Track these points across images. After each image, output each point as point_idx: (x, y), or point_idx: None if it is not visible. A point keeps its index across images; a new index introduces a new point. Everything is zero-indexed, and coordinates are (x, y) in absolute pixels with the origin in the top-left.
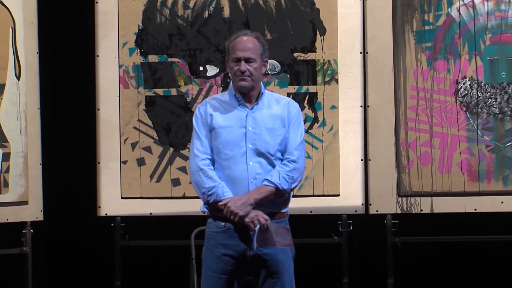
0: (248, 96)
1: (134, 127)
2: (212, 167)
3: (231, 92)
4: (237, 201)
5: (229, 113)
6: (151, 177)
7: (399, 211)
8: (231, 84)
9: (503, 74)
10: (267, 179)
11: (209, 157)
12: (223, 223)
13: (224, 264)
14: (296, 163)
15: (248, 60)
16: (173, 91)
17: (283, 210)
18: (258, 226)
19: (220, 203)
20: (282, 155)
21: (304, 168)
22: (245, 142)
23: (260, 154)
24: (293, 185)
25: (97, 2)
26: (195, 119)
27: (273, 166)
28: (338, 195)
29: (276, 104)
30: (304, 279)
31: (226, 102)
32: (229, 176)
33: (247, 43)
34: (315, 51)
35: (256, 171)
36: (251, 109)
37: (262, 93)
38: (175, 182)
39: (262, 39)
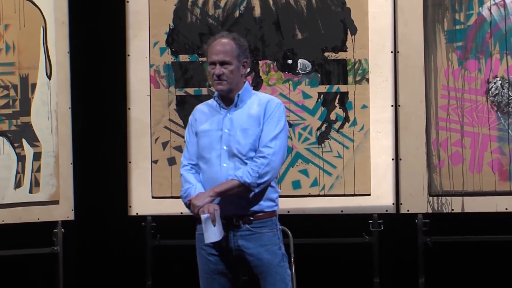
0: (229, 98)
1: (165, 127)
2: (192, 171)
3: (215, 95)
4: (198, 195)
5: (211, 117)
6: None
7: (430, 211)
8: None
9: None
10: (235, 174)
11: (193, 162)
12: None
13: (213, 264)
14: (265, 158)
15: (222, 63)
16: (204, 91)
17: (268, 210)
18: (205, 215)
19: (188, 199)
20: None
21: (279, 165)
22: (220, 145)
23: (233, 155)
24: (260, 180)
25: (128, 2)
26: (187, 126)
27: None
28: (369, 195)
29: (258, 104)
30: (334, 278)
31: (212, 106)
32: (208, 178)
33: (221, 46)
34: (346, 51)
35: (229, 172)
36: (229, 110)
37: (239, 94)
38: None
39: (239, 40)
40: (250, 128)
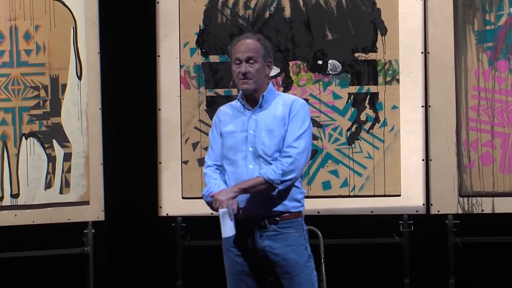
0: (253, 99)
1: (195, 127)
2: (217, 172)
3: (239, 96)
4: (222, 191)
5: (235, 118)
6: None
7: (460, 211)
8: None
9: None
10: (259, 172)
11: (218, 163)
12: None
13: (240, 265)
14: (290, 157)
15: (248, 61)
16: (234, 91)
17: (294, 210)
18: (223, 210)
19: (210, 195)
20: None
21: (303, 164)
22: (246, 146)
23: (258, 156)
24: (284, 178)
25: (158, 2)
26: (211, 127)
27: None
28: (399, 195)
29: (283, 105)
30: (365, 279)
31: (236, 108)
32: (234, 180)
33: (247, 45)
34: (376, 51)
35: (255, 174)
36: (254, 112)
37: (264, 95)
38: None
39: (264, 41)
40: (275, 129)
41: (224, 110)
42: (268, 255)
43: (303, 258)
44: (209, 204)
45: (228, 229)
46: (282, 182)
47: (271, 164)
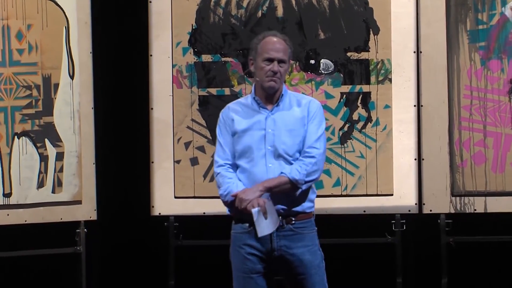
0: (269, 98)
1: (188, 127)
2: (231, 170)
3: (252, 95)
4: (246, 190)
5: (250, 116)
6: (205, 176)
7: (452, 211)
8: (253, 86)
9: None
10: (282, 171)
11: (229, 162)
12: (247, 224)
13: (251, 263)
14: (313, 158)
15: (280, 62)
16: (227, 91)
17: (308, 210)
18: (256, 209)
19: (232, 194)
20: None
21: (323, 165)
22: (264, 145)
23: (278, 155)
24: (308, 178)
25: (150, 2)
26: (218, 124)
27: None
28: (392, 195)
29: (298, 105)
30: (357, 278)
31: (247, 106)
32: (251, 179)
33: (280, 45)
34: (369, 51)
35: (275, 172)
36: (271, 111)
37: (282, 94)
38: None
39: (289, 41)
40: (295, 129)
41: (234, 107)
42: (284, 254)
43: (317, 259)
44: (227, 203)
45: (264, 228)
46: (306, 182)
47: (291, 163)
